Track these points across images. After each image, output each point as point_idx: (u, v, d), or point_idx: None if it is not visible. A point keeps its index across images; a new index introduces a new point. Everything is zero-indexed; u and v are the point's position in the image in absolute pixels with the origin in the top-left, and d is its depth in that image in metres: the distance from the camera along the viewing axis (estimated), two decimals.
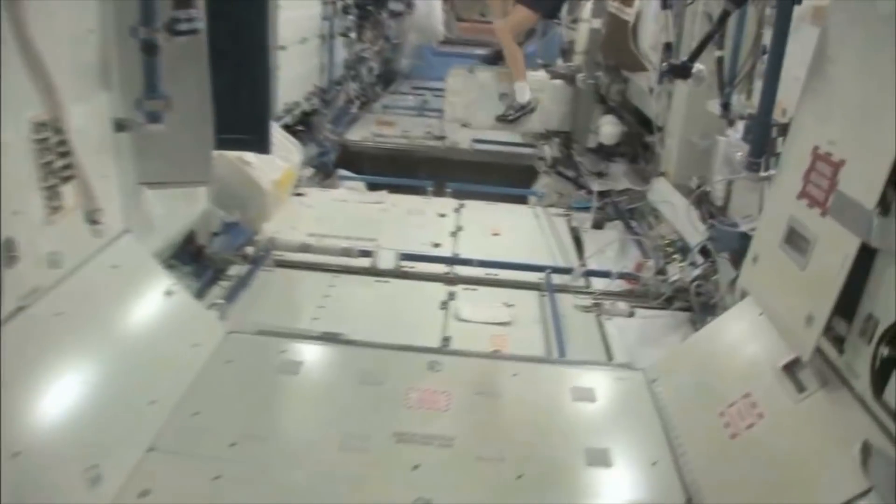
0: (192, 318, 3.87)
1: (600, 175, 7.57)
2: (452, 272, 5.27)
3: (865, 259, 2.55)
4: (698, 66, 4.80)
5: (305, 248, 5.25)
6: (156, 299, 3.63)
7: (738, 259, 3.99)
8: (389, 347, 4.01)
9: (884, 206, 2.42)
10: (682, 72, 4.85)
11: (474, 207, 6.72)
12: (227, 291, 4.62)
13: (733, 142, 4.69)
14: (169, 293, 3.69)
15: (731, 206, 4.96)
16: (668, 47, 5.43)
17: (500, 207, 6.97)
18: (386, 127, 9.55)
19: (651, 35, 6.47)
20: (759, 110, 3.76)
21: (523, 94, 7.80)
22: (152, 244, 3.95)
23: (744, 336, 3.53)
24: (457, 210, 6.55)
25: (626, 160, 7.90)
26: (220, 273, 4.90)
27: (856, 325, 2.61)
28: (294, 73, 7.37)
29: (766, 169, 3.81)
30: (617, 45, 7.10)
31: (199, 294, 4.40)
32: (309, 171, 7.39)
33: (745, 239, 3.90)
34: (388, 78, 12.81)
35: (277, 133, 5.86)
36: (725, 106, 4.78)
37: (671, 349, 4.33)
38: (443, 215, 6.40)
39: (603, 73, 7.49)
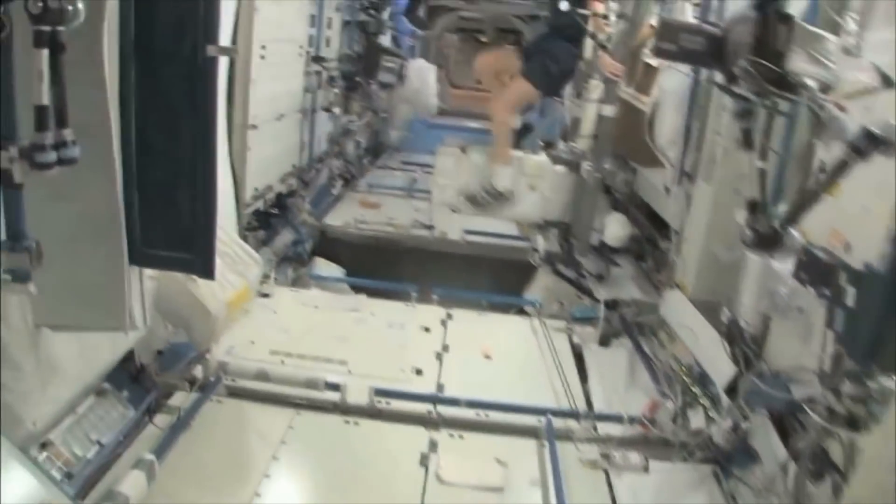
0: None
1: (602, 279, 6.78)
2: (435, 412, 4.43)
3: None
4: (794, 234, 3.43)
5: (263, 376, 4.44)
6: None
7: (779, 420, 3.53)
8: None
9: None
10: (769, 242, 3.54)
11: (463, 319, 5.92)
12: (161, 439, 3.81)
13: (778, 272, 3.91)
14: None
15: (768, 345, 4.19)
16: (752, 207, 3.78)
17: (492, 319, 6.15)
18: (370, 209, 8.73)
19: (669, 128, 5.76)
20: None
21: (500, 179, 7.00)
22: (68, 385, 3.29)
23: None
24: (444, 322, 5.74)
25: (632, 259, 7.15)
26: (162, 399, 4.21)
27: None
28: (267, 153, 6.61)
29: None
30: (629, 135, 6.36)
31: (135, 427, 3.86)
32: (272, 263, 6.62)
33: (796, 407, 3.35)
34: (376, 150, 12.11)
35: (233, 243, 5.06)
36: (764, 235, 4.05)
37: None
38: (427, 329, 5.58)
39: (611, 163, 6.75)
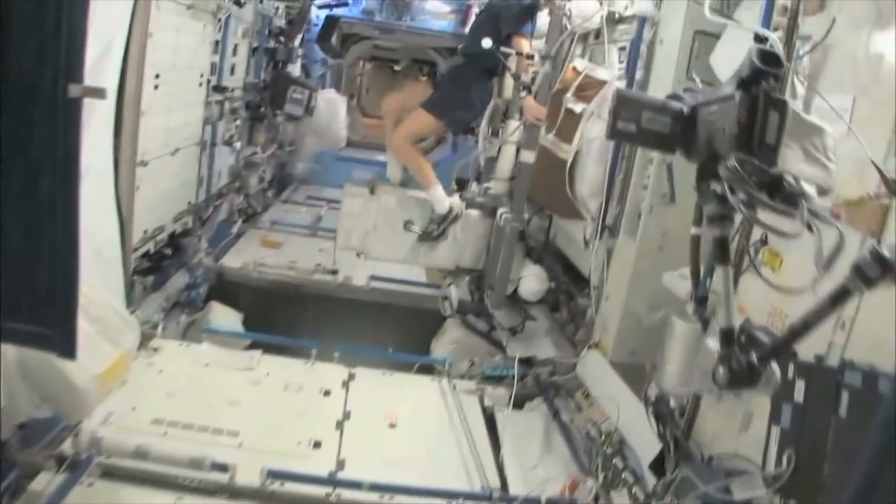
0: None
1: (514, 333, 6.42)
2: (335, 495, 3.97)
3: None
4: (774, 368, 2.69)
5: (142, 454, 3.90)
6: None
7: None
8: None
9: None
10: (746, 380, 2.63)
11: (367, 379, 5.46)
12: None
13: (710, 350, 3.61)
14: None
15: (700, 423, 3.91)
16: (726, 338, 2.77)
17: (398, 380, 5.68)
18: (272, 249, 8.18)
19: (591, 179, 5.49)
20: None
21: (441, 203, 6.57)
22: None
23: None
24: (345, 384, 5.28)
25: (547, 310, 6.83)
26: (24, 481, 3.62)
27: None
28: (160, 191, 6.06)
29: None
30: (547, 183, 6.06)
31: None
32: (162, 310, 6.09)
33: None
34: (281, 183, 11.54)
35: (107, 307, 4.49)
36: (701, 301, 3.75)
37: None
38: (327, 393, 5.11)
39: (528, 210, 6.42)
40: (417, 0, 11.60)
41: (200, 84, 6.80)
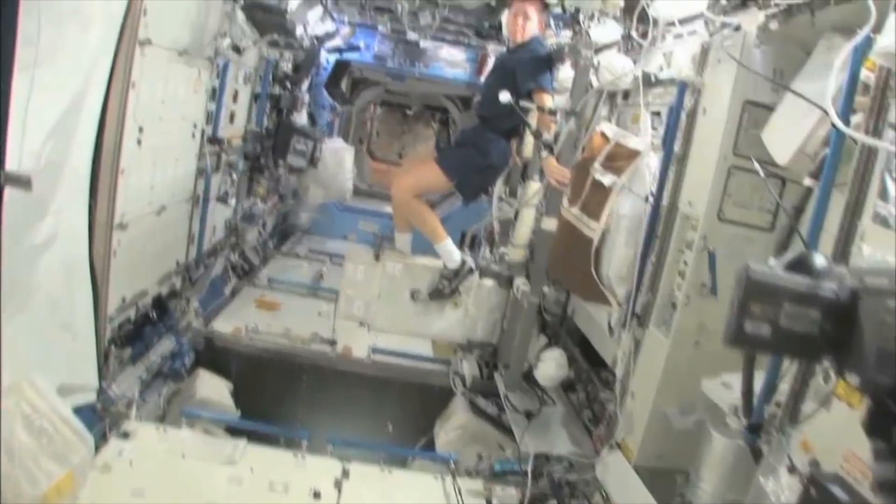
0: None
1: (530, 418, 5.81)
2: None
3: None
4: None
5: None
6: None
7: None
8: None
9: None
10: None
11: (363, 476, 4.83)
12: None
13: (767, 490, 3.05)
14: None
15: None
16: None
17: (397, 478, 5.02)
18: (268, 311, 7.60)
19: (620, 263, 4.93)
20: None
21: (451, 257, 6.02)
22: None
23: None
24: (338, 483, 4.66)
25: (562, 392, 6.22)
26: None
27: None
28: (141, 253, 5.50)
29: None
30: (568, 260, 5.49)
31: None
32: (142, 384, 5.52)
33: None
34: (284, 233, 11.00)
35: (55, 417, 3.80)
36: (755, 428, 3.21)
37: None
38: (317, 495, 4.48)
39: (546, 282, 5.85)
40: (431, 47, 11.15)
41: (193, 135, 6.26)
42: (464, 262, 6.13)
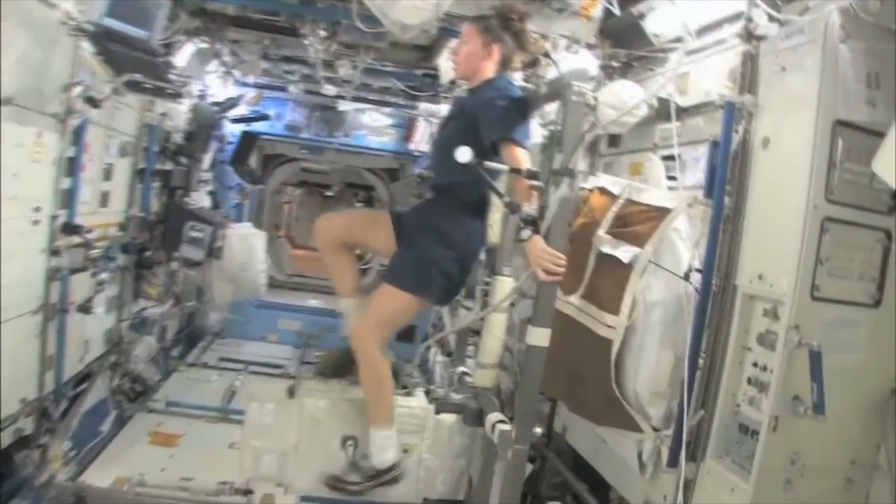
0: None
1: None
2: None
3: None
4: None
5: None
6: None
7: None
8: None
9: None
10: None
11: None
12: None
13: None
14: None
15: None
16: None
17: None
18: (164, 447, 5.79)
19: (652, 370, 3.38)
20: None
21: (383, 452, 4.12)
22: None
23: None
24: None
25: None
26: None
27: None
28: None
29: None
30: (569, 369, 3.88)
31: None
32: None
33: None
34: (191, 337, 9.12)
35: None
36: None
37: None
38: None
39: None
40: (352, 111, 9.66)
41: (36, 223, 4.50)
42: (393, 467, 4.19)
